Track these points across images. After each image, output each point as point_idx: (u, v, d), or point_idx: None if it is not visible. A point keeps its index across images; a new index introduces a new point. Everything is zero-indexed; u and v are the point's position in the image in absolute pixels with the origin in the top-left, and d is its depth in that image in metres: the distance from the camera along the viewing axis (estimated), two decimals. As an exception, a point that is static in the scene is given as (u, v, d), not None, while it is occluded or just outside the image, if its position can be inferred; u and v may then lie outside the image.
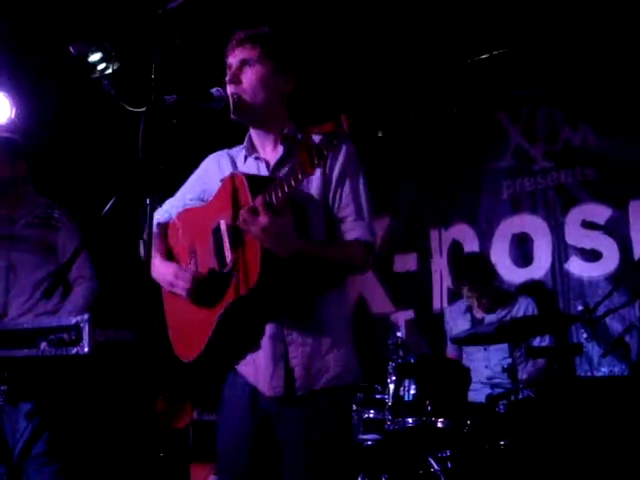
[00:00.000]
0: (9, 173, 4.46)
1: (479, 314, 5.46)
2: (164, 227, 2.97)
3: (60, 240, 4.37)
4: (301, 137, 2.41)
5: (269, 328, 2.67)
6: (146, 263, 2.37)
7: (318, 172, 2.68)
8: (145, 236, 2.37)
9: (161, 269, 2.80)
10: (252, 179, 2.61)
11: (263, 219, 2.39)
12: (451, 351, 5.61)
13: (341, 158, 2.71)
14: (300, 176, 2.34)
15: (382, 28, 5.74)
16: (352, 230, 2.69)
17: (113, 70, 5.65)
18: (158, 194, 2.43)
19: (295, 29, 4.85)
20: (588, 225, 5.72)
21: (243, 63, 2.75)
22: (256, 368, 2.68)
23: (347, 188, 2.71)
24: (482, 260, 5.74)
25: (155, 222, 2.93)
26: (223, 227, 2.62)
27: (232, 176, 2.67)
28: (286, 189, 2.38)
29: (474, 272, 5.44)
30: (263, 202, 2.42)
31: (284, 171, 2.72)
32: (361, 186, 2.75)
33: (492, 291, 5.44)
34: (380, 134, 2.39)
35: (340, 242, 2.70)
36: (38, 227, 4.38)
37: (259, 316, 2.68)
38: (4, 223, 4.45)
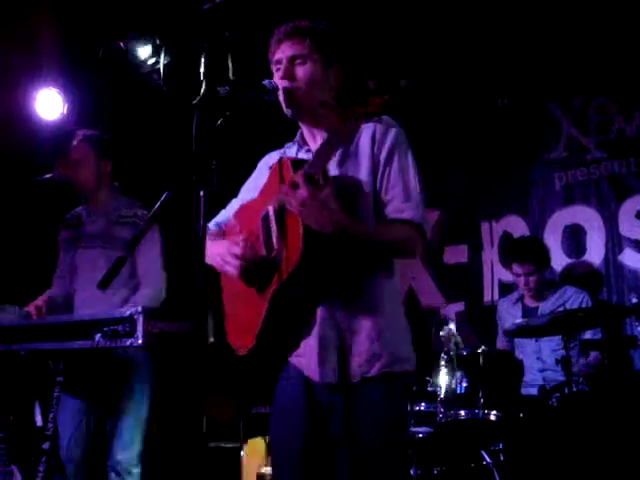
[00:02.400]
0: (95, 171, 4.49)
1: (531, 303, 5.41)
2: (221, 226, 2.98)
3: (142, 238, 4.37)
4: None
5: (320, 316, 2.64)
6: (200, 256, 2.37)
7: (367, 153, 2.67)
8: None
9: (212, 248, 2.65)
10: (297, 162, 2.60)
11: (303, 191, 2.38)
12: (502, 343, 5.57)
13: (389, 140, 2.66)
14: (335, 144, 2.39)
15: (434, 18, 5.72)
16: (401, 211, 2.61)
17: (163, 64, 5.70)
18: (212, 187, 2.43)
19: (345, 18, 4.85)
20: (643, 216, 5.64)
21: (294, 58, 2.72)
22: (309, 356, 2.66)
23: (395, 168, 2.64)
24: (537, 242, 5.68)
25: (214, 222, 2.96)
26: (271, 213, 2.61)
27: (279, 161, 2.67)
28: (324, 159, 2.40)
29: (528, 251, 5.40)
30: (303, 174, 2.41)
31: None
32: (410, 167, 2.68)
33: (543, 274, 5.38)
34: (403, 83, 2.36)
35: (388, 223, 2.63)
36: (125, 226, 4.38)
37: (308, 302, 2.65)
38: (90, 221, 4.50)
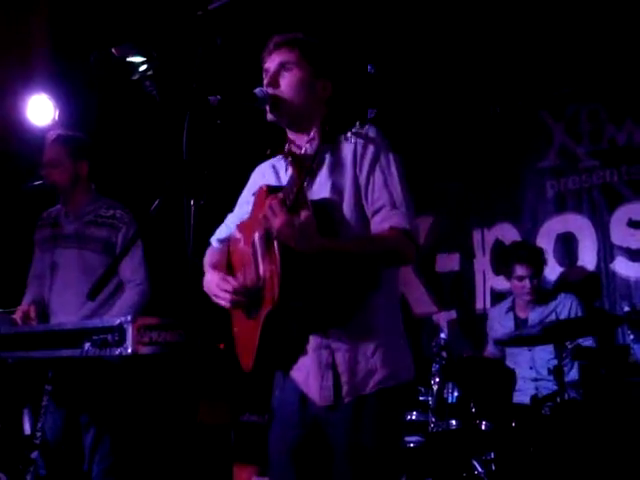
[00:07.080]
0: (70, 172, 4.45)
1: (522, 314, 5.39)
2: (225, 242, 3.02)
3: (121, 240, 4.35)
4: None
5: (313, 338, 2.64)
6: (190, 264, 2.36)
7: (349, 171, 2.66)
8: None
9: (207, 279, 2.80)
10: (272, 189, 2.64)
11: (279, 218, 2.40)
12: (492, 352, 5.54)
13: (369, 156, 2.66)
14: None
15: (425, 26, 5.72)
16: (388, 219, 2.60)
17: (155, 71, 5.68)
18: (202, 195, 2.42)
19: (335, 31, 4.85)
20: (634, 224, 5.63)
21: (281, 66, 2.75)
22: (307, 374, 2.66)
23: (379, 180, 2.64)
24: (538, 248, 5.69)
25: (216, 238, 3.03)
26: (256, 239, 2.64)
27: (261, 188, 2.71)
28: (295, 189, 2.43)
29: (532, 253, 5.40)
30: (278, 201, 2.44)
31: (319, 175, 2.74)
32: (395, 175, 2.66)
33: (540, 280, 5.38)
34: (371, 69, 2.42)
35: (374, 234, 2.62)
36: (102, 226, 4.37)
37: (301, 323, 2.65)
38: (67, 222, 4.48)
